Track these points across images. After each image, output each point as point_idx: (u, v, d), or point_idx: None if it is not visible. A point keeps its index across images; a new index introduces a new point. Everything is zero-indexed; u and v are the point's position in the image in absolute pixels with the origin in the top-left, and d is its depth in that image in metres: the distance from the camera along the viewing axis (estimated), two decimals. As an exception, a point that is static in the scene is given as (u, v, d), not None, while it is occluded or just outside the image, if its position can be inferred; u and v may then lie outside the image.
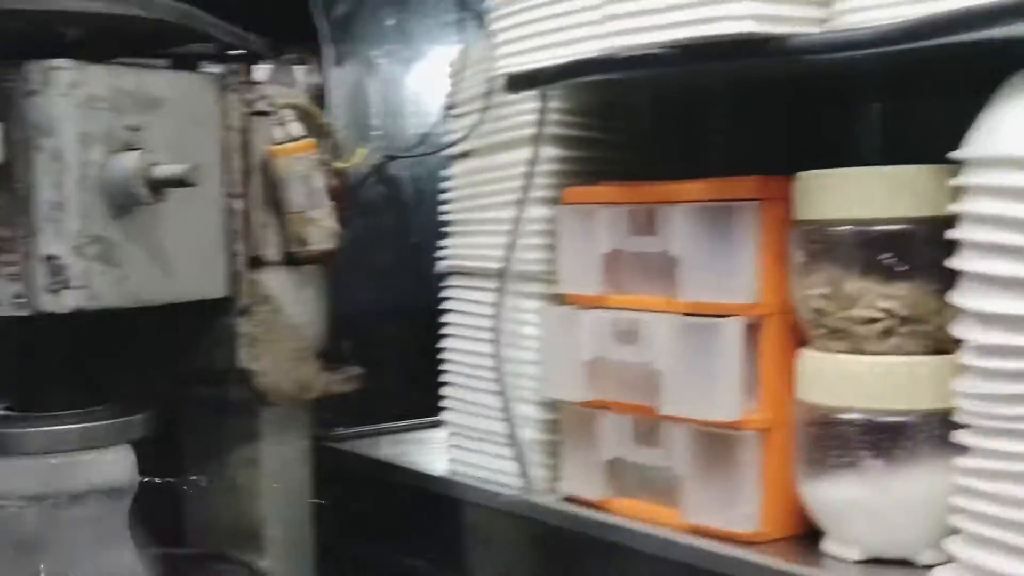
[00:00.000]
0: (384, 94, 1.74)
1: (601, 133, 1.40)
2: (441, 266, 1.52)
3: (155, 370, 1.44)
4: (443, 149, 1.50)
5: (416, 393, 1.79)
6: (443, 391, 1.52)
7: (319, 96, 1.55)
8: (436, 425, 1.73)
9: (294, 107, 1.42)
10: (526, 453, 1.38)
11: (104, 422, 1.28)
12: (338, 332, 1.53)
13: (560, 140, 1.37)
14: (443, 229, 1.53)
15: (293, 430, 1.47)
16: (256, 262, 1.39)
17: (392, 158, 1.49)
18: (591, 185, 1.33)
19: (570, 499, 1.33)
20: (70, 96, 1.19)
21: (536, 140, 1.36)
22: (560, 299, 1.35)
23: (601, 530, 1.28)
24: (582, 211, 1.32)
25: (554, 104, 1.36)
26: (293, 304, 1.42)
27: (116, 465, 1.27)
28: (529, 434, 1.38)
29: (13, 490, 1.24)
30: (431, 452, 1.61)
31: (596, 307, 1.30)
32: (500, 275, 1.39)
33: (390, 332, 1.77)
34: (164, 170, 1.21)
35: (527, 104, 1.38)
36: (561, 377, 1.32)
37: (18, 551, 1.25)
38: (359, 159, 1.46)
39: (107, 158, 1.21)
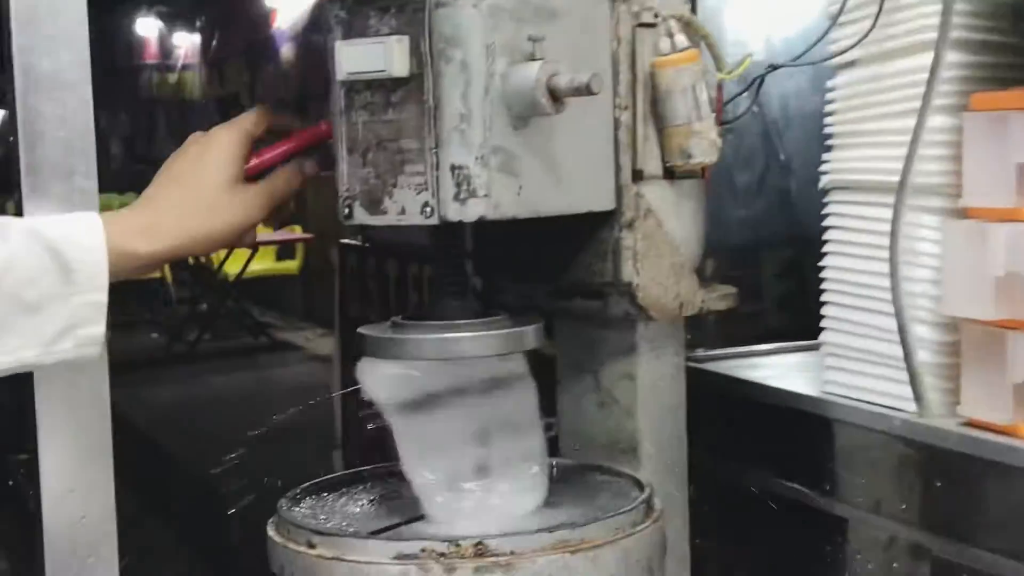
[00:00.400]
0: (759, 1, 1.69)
1: (1008, 37, 1.31)
2: (824, 181, 1.47)
3: (536, 283, 1.45)
4: (829, 58, 1.45)
5: (777, 317, 1.76)
6: (824, 311, 1.48)
7: (692, 6, 1.51)
8: (798, 350, 1.69)
9: (678, 18, 1.39)
10: (921, 375, 1.32)
11: (502, 331, 1.31)
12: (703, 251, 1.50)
13: (965, 44, 1.29)
14: (824, 143, 1.48)
15: (669, 346, 1.46)
16: (638, 175, 1.38)
17: (775, 67, 1.44)
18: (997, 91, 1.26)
19: (971, 423, 1.27)
20: (478, 7, 1.20)
21: (939, 45, 1.29)
22: (963, 213, 1.28)
23: (1008, 455, 1.21)
24: (993, 118, 1.24)
25: (960, 6, 1.28)
26: (673, 218, 1.40)
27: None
28: (923, 356, 1.32)
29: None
30: (796, 376, 1.57)
31: (1009, 220, 1.22)
32: (895, 189, 1.33)
33: (752, 252, 1.74)
34: (568, 79, 1.21)
35: (927, 7, 1.31)
36: (966, 295, 1.26)
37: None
38: (742, 70, 1.42)
39: (510, 69, 1.22)
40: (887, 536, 1.36)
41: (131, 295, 10.40)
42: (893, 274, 1.32)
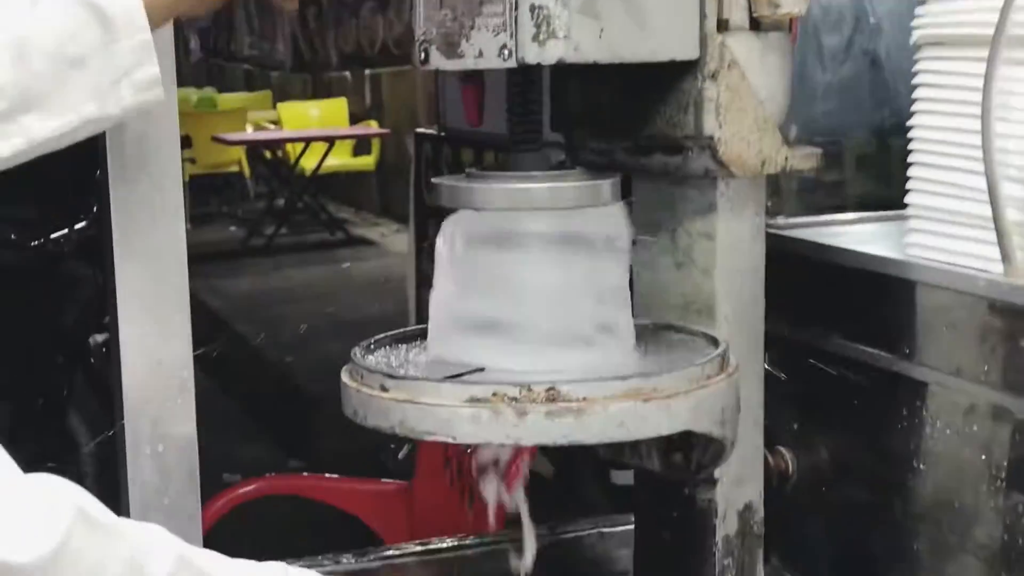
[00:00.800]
0: None
1: None
2: (916, 36, 1.42)
3: (614, 138, 1.43)
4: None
5: (862, 185, 1.72)
6: (911, 172, 1.44)
7: None
8: (882, 220, 1.65)
9: None
10: (1009, 234, 1.28)
11: (576, 183, 1.29)
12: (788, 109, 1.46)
13: None
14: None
15: (749, 206, 1.43)
16: (723, 25, 1.34)
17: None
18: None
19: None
20: None
21: None
22: (1062, 66, 1.23)
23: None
24: (1099, -36, 1.18)
25: None
26: (758, 71, 1.36)
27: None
28: (1013, 215, 1.28)
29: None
30: (879, 242, 1.53)
31: (1112, 71, 1.17)
32: (989, 42, 1.28)
33: (838, 119, 1.69)
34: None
35: None
36: (1061, 150, 1.21)
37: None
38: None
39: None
40: (967, 400, 1.34)
41: (209, 189, 10.54)
42: (985, 130, 1.28)
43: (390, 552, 1.65)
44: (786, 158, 1.40)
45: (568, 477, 2.93)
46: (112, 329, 1.39)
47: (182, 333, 1.38)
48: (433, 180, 1.36)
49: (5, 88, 1.08)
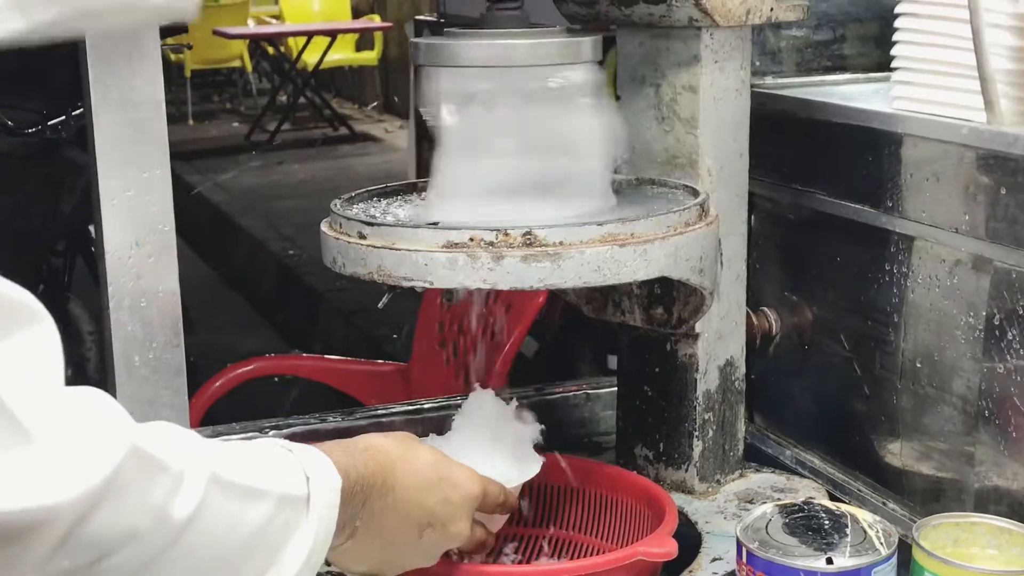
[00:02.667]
0: None
1: None
2: None
3: (596, -11, 1.41)
4: None
5: (855, 47, 1.70)
6: (897, 23, 1.41)
7: None
8: (873, 81, 1.64)
9: None
10: (993, 81, 1.27)
11: (557, 39, 1.27)
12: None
13: None
14: None
15: (734, 59, 1.41)
16: None
17: None
18: None
19: (1043, 130, 1.22)
20: None
21: None
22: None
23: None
24: None
25: None
26: (742, -82, 1.34)
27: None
28: (997, 62, 1.27)
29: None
30: (867, 99, 1.51)
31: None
32: None
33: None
34: None
35: None
36: (1047, -9, 1.19)
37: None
38: None
39: None
40: (950, 251, 1.33)
41: (211, 85, 10.46)
42: (969, -26, 1.25)
43: (378, 411, 1.66)
44: (771, 8, 1.38)
45: (567, 358, 2.95)
46: (92, 183, 1.39)
47: (163, 186, 1.38)
48: (412, 40, 1.35)
49: None
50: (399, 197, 1.41)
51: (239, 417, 1.69)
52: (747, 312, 1.53)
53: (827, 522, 1.22)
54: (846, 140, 1.46)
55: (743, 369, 1.50)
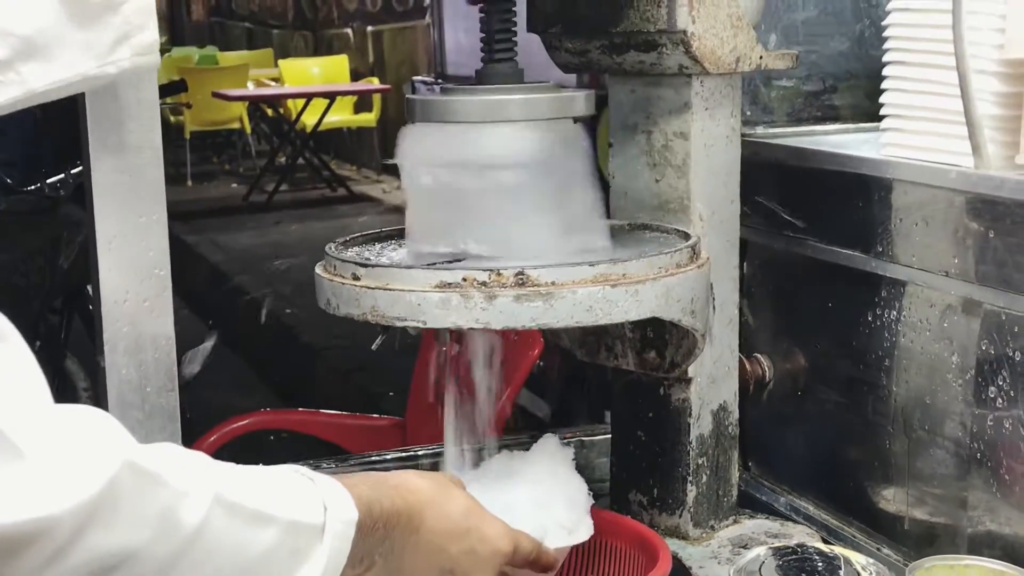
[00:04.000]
0: None
1: None
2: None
3: (590, 37, 1.43)
4: None
5: (843, 97, 1.72)
6: (886, 71, 1.43)
7: None
8: (862, 131, 1.65)
9: None
10: (980, 127, 1.28)
11: (551, 94, 1.29)
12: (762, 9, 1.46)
13: None
14: None
15: (724, 106, 1.43)
16: (696, -81, 1.34)
17: None
18: None
19: (1030, 174, 1.24)
20: None
21: None
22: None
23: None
24: None
25: None
26: (732, -32, 1.37)
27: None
28: (984, 108, 1.29)
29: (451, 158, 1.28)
30: (856, 147, 1.53)
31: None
32: (962, -67, 1.28)
33: (817, 26, 1.68)
34: None
35: None
36: (1031, 37, 1.21)
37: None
38: None
39: None
40: (940, 295, 1.34)
41: (211, 147, 10.53)
42: (956, 21, 1.27)
43: (372, 458, 1.66)
44: (760, 56, 1.40)
45: (565, 417, 2.95)
46: (88, 228, 1.39)
47: (159, 230, 1.39)
48: (407, 96, 1.36)
49: (10, 36, 1.06)
50: (393, 241, 1.42)
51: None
52: (740, 358, 1.54)
53: (820, 564, 1.22)
54: (837, 187, 1.48)
55: (736, 414, 1.51)
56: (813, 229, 1.53)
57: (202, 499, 0.84)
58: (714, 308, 1.43)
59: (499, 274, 1.18)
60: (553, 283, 1.19)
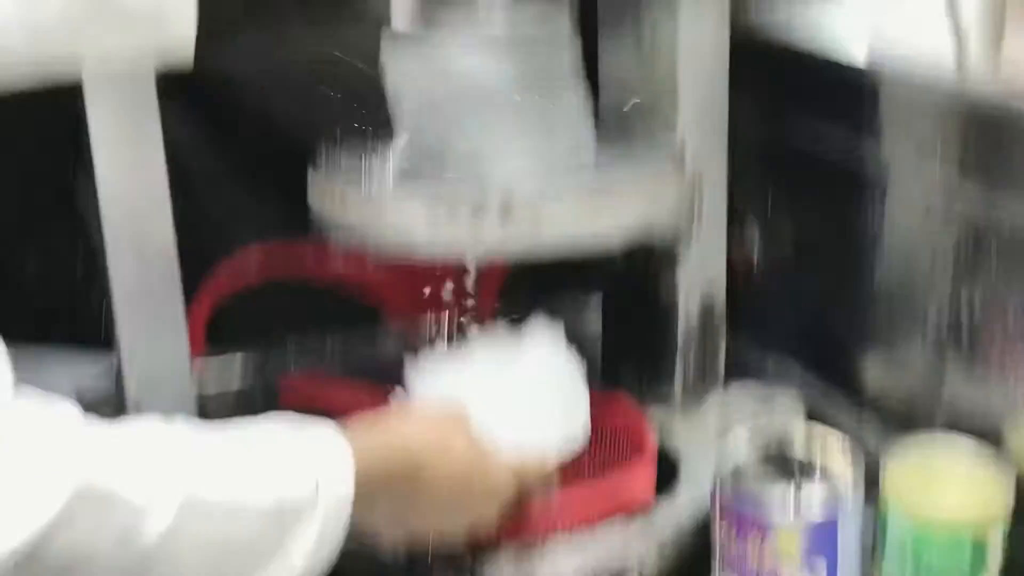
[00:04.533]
0: None
1: None
2: None
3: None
4: None
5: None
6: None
7: None
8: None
9: None
10: (965, 29, 1.28)
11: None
12: None
13: None
14: None
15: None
16: None
17: None
18: None
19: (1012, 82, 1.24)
20: None
21: None
22: None
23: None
24: None
25: None
26: None
27: None
28: (969, 11, 1.28)
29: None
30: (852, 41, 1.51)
31: None
32: None
33: None
34: None
35: None
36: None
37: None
38: None
39: None
40: (923, 186, 1.36)
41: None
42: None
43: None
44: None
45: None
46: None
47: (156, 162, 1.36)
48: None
49: None
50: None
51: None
52: (730, 230, 1.56)
53: (799, 460, 1.29)
54: (829, 74, 1.47)
55: (723, 295, 1.55)
56: (804, 115, 1.53)
57: (167, 509, 0.81)
58: (702, 196, 1.45)
59: (484, 201, 1.21)
60: (537, 209, 1.21)
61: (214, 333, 1.64)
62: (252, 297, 1.55)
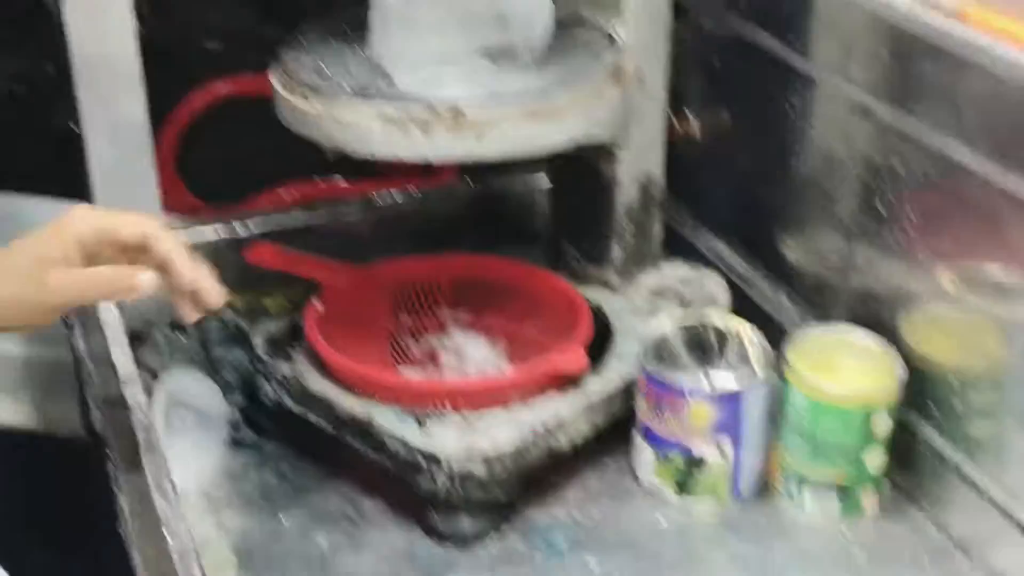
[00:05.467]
0: None
1: None
2: None
3: None
4: None
5: None
6: None
7: None
8: None
9: None
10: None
11: None
12: None
13: None
14: None
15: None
16: None
17: None
18: None
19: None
20: None
21: None
22: None
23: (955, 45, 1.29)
24: None
25: None
26: None
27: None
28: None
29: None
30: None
31: None
32: None
33: None
34: None
35: None
36: None
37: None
38: None
39: None
40: (843, 97, 1.47)
41: None
42: None
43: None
44: None
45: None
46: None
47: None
48: None
49: None
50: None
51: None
52: (669, 115, 1.66)
53: (717, 342, 1.45)
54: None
55: (662, 182, 1.66)
56: (742, 10, 1.62)
57: None
58: (643, 83, 1.54)
59: (435, 111, 1.31)
60: (485, 120, 1.32)
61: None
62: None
